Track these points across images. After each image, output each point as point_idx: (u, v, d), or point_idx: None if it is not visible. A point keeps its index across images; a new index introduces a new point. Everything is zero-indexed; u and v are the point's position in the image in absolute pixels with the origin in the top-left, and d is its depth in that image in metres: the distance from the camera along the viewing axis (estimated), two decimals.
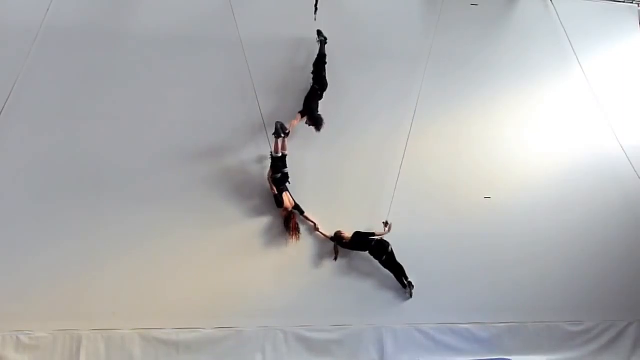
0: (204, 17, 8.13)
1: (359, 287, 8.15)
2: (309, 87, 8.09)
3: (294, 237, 7.87)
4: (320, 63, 8.06)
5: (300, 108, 7.97)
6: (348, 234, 8.02)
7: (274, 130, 7.62)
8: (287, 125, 7.68)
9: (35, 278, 7.24)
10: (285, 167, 7.76)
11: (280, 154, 7.69)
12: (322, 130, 7.96)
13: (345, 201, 8.25)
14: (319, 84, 8.03)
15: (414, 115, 8.44)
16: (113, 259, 7.48)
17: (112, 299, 7.42)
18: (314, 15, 8.09)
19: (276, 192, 7.72)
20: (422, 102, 8.50)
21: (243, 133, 8.04)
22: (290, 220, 7.84)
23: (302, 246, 8.03)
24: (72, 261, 7.38)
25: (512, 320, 8.57)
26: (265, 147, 7.87)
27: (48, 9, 7.52)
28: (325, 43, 8.12)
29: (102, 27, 7.81)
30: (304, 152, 8.04)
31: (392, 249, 8.07)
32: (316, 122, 7.90)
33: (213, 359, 7.58)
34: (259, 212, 7.96)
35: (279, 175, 7.72)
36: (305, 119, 7.92)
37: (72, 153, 7.57)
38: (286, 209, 7.82)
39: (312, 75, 8.08)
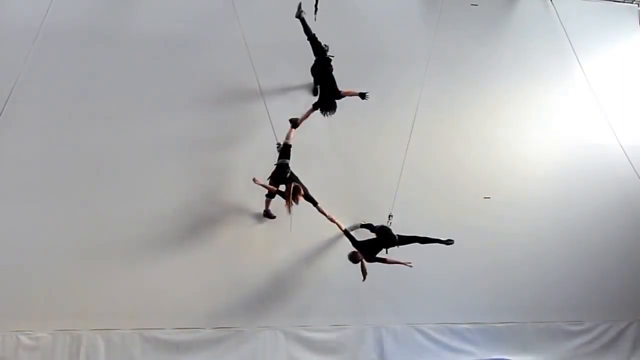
0: (204, 17, 8.13)
1: (359, 287, 8.13)
2: (311, 85, 8.12)
3: (288, 205, 7.21)
4: (310, 38, 7.63)
5: (304, 107, 7.90)
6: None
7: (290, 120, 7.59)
8: (300, 117, 7.58)
9: (35, 278, 7.24)
10: (289, 157, 7.44)
11: (290, 143, 7.48)
12: (322, 130, 7.96)
13: (345, 201, 8.22)
14: (323, 55, 7.63)
15: (415, 115, 8.44)
16: (113, 259, 7.48)
17: (112, 299, 7.42)
18: (314, 15, 8.10)
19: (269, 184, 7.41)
20: (423, 102, 8.49)
21: (244, 133, 8.04)
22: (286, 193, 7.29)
23: (303, 246, 8.04)
24: (72, 261, 7.38)
25: (512, 320, 8.58)
26: (268, 147, 7.79)
27: (48, 9, 7.51)
28: (304, 16, 7.61)
29: (102, 27, 7.81)
30: (303, 152, 8.04)
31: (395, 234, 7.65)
32: (329, 107, 7.57)
33: (213, 359, 7.59)
34: (259, 212, 7.95)
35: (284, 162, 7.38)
36: (317, 110, 7.66)
37: (72, 153, 7.56)
38: (272, 192, 7.46)
39: (315, 73, 7.87)
